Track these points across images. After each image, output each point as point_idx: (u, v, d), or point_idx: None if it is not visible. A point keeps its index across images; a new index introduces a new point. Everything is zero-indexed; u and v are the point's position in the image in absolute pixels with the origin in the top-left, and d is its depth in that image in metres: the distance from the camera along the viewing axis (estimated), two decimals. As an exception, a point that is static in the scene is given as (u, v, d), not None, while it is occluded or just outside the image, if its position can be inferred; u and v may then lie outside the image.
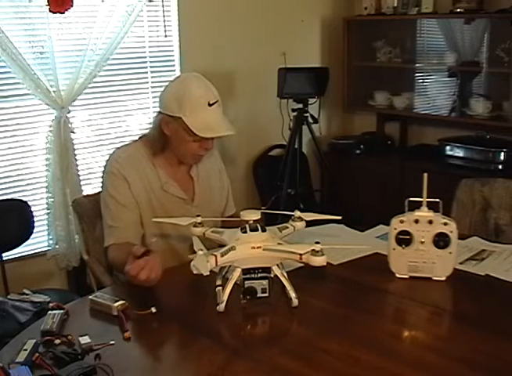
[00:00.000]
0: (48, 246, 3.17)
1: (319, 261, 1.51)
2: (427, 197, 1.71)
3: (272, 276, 1.53)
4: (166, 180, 2.00)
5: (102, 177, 2.02)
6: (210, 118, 1.87)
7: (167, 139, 1.95)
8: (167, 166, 2.01)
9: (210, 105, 1.87)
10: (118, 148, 2.05)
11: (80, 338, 1.38)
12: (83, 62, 3.04)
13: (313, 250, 1.51)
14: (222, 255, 1.52)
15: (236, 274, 1.52)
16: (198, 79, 1.94)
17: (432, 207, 1.71)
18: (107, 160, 2.01)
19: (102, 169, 2.03)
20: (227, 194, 2.21)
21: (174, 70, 3.52)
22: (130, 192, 1.95)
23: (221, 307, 1.52)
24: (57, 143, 3.03)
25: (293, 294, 1.54)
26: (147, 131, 2.03)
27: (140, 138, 2.05)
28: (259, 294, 1.53)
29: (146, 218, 1.96)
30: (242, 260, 1.54)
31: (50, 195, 3.11)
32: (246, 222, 1.61)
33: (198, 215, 1.77)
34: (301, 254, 1.53)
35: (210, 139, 1.92)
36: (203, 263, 1.47)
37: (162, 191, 1.99)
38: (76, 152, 3.12)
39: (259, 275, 1.52)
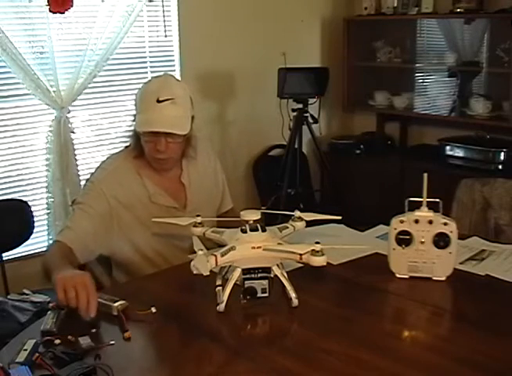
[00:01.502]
0: (48, 246, 3.17)
1: (319, 261, 1.51)
2: (427, 197, 1.71)
3: (272, 276, 1.53)
4: (154, 191, 1.95)
5: (87, 181, 1.98)
6: (154, 114, 1.81)
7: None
8: (153, 174, 1.96)
9: (159, 101, 1.80)
10: (106, 158, 2.02)
11: (80, 338, 1.38)
12: (83, 62, 3.04)
13: (313, 250, 1.51)
14: (222, 255, 1.52)
15: (236, 274, 1.52)
16: (161, 77, 1.92)
17: (432, 207, 1.71)
18: (96, 169, 1.98)
19: (91, 173, 1.99)
20: (222, 191, 2.18)
21: (174, 70, 3.52)
22: (107, 205, 1.87)
23: (221, 307, 1.52)
24: (57, 143, 3.04)
25: (293, 294, 1.54)
26: (129, 135, 1.99)
27: (127, 147, 2.01)
28: (259, 294, 1.53)
29: (132, 232, 1.92)
30: (242, 260, 1.54)
31: (50, 195, 3.11)
32: (246, 222, 1.60)
33: (198, 215, 1.76)
34: (301, 254, 1.53)
35: (162, 140, 1.83)
36: (203, 263, 1.47)
37: (151, 203, 1.94)
38: (76, 152, 3.12)
39: (259, 275, 1.52)
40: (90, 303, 1.45)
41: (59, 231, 1.90)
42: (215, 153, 2.21)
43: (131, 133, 1.96)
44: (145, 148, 1.90)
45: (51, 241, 3.14)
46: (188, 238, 1.93)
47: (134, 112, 1.92)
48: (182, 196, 2.01)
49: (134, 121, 1.92)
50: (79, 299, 1.45)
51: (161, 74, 2.02)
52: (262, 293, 1.53)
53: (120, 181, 1.93)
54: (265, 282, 1.52)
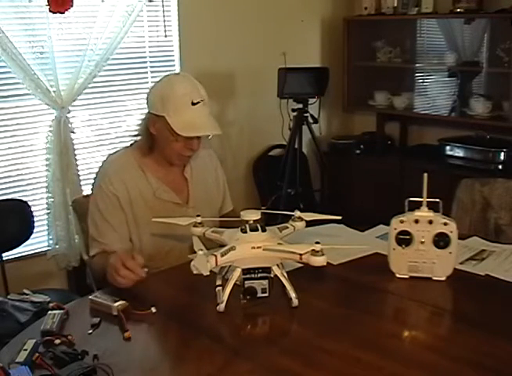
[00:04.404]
0: (48, 246, 3.17)
1: (319, 261, 1.51)
2: (427, 197, 1.71)
3: (272, 276, 1.53)
4: (158, 186, 1.97)
5: (93, 185, 1.99)
6: (192, 117, 1.84)
7: (154, 139, 1.93)
8: (157, 169, 1.98)
9: (193, 104, 1.84)
10: (110, 155, 2.03)
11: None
12: (83, 62, 3.04)
13: (313, 250, 1.51)
14: (222, 255, 1.52)
15: (236, 274, 1.52)
16: (184, 78, 1.93)
17: (432, 207, 1.71)
18: (99, 169, 1.99)
19: (94, 176, 2.00)
20: (223, 192, 2.19)
21: (174, 70, 3.52)
22: (120, 208, 1.92)
23: (221, 307, 1.52)
24: (57, 143, 3.03)
25: (293, 294, 1.54)
26: (136, 134, 2.00)
27: (131, 145, 2.03)
28: (259, 294, 1.53)
29: (138, 229, 1.95)
30: (242, 260, 1.54)
31: (50, 195, 3.11)
32: (246, 222, 1.60)
33: (198, 215, 1.76)
34: (301, 255, 1.53)
35: (194, 139, 1.89)
36: (203, 263, 1.47)
37: (155, 198, 1.96)
38: (76, 152, 3.12)
39: (259, 275, 1.52)
40: (134, 271, 1.61)
41: (91, 245, 1.96)
42: (216, 156, 2.22)
43: (139, 132, 1.97)
44: (170, 146, 1.90)
45: (51, 241, 3.15)
46: (189, 234, 1.94)
47: (156, 113, 1.89)
48: (184, 191, 2.03)
49: (148, 118, 1.91)
50: (125, 277, 1.61)
51: (175, 73, 2.01)
52: (262, 293, 1.53)
53: (124, 178, 1.94)
54: (265, 282, 1.52)
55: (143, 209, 1.95)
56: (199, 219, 1.75)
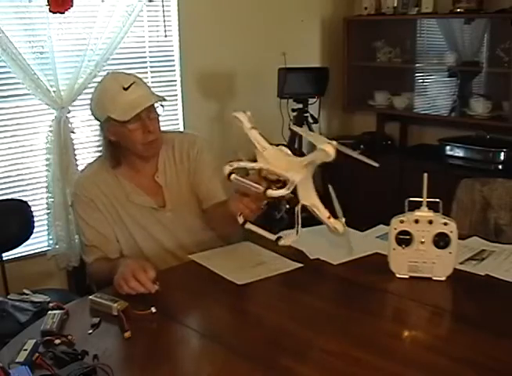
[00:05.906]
0: (48, 246, 3.17)
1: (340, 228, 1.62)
2: (427, 197, 1.71)
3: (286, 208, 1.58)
4: (131, 190, 1.95)
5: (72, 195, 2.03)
6: (129, 100, 1.82)
7: (119, 145, 1.92)
8: (131, 174, 1.97)
9: (125, 89, 1.83)
10: (85, 166, 2.05)
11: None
12: (83, 62, 3.04)
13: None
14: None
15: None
16: (110, 74, 1.96)
17: (432, 207, 1.71)
18: (75, 179, 2.02)
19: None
20: (205, 180, 2.03)
21: (174, 70, 3.52)
22: (98, 210, 1.93)
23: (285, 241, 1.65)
24: (57, 143, 3.03)
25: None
26: (102, 150, 2.00)
27: (99, 157, 2.03)
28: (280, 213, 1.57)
29: (119, 232, 1.96)
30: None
31: (50, 195, 3.11)
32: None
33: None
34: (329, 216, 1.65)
35: (146, 121, 1.85)
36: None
37: (129, 202, 1.95)
38: (76, 152, 3.12)
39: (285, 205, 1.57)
40: (145, 285, 1.59)
41: (84, 251, 1.98)
42: (201, 141, 2.09)
43: (103, 147, 1.97)
44: (132, 141, 1.88)
45: (51, 241, 3.15)
46: (171, 237, 1.95)
47: (99, 122, 1.92)
48: (159, 194, 1.99)
49: (102, 129, 1.92)
50: (134, 289, 1.60)
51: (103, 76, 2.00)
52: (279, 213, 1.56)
53: (98, 184, 1.95)
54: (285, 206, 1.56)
55: (120, 212, 1.95)
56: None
